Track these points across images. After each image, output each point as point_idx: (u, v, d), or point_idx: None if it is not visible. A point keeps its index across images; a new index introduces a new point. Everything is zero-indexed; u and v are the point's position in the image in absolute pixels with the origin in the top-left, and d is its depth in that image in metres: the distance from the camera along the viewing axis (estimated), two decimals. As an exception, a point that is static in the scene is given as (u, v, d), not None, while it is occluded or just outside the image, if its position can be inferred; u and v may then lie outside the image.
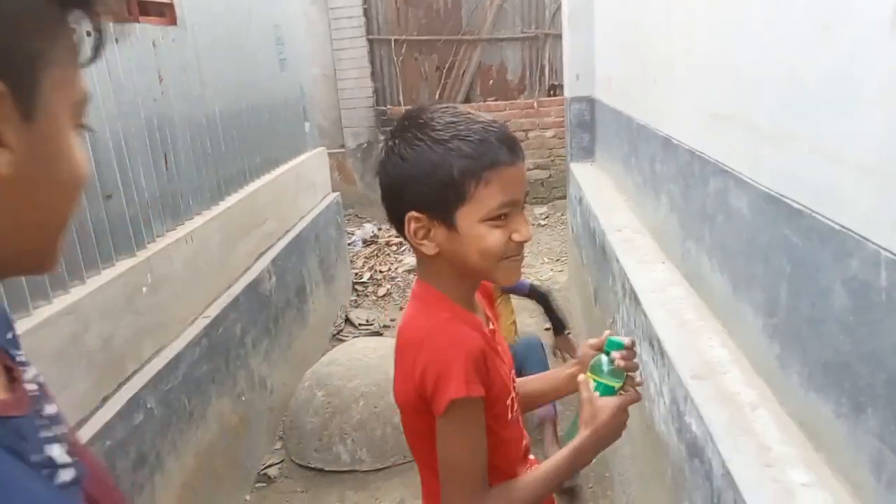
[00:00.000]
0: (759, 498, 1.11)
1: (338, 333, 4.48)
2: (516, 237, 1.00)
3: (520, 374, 1.32)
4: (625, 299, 2.27)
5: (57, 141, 0.47)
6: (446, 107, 1.05)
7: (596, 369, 1.11)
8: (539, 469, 1.08)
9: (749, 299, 1.52)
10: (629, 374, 1.12)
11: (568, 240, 4.85)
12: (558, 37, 6.64)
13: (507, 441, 1.10)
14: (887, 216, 0.94)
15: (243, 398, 2.97)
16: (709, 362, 1.57)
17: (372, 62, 6.66)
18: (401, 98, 6.78)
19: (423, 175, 0.98)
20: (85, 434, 1.93)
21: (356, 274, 5.34)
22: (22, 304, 1.82)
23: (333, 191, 5.01)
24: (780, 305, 1.34)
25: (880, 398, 0.98)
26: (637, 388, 1.14)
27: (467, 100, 6.86)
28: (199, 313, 2.74)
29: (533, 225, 6.44)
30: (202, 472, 2.52)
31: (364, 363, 3.22)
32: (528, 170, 6.91)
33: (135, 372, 2.26)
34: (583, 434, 1.06)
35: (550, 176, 6.97)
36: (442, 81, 6.80)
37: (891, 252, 0.92)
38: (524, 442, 1.18)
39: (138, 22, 2.55)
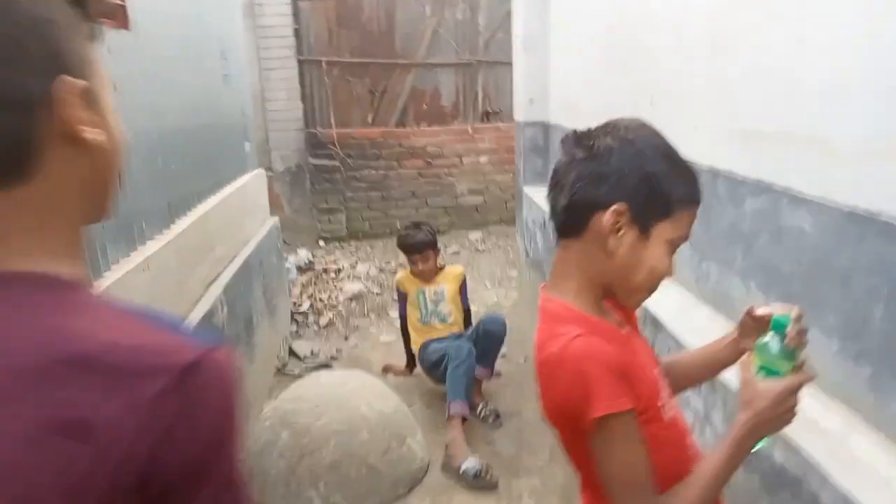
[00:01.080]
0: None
1: (283, 367, 4.19)
2: (669, 272, 1.01)
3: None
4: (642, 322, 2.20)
5: (109, 112, 0.63)
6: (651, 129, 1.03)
7: (763, 350, 1.00)
8: (700, 471, 0.98)
9: (817, 322, 1.47)
10: (800, 353, 1.00)
11: (519, 263, 4.80)
12: (493, 64, 6.68)
13: (667, 441, 1.01)
14: None
15: (202, 443, 2.66)
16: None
17: (302, 83, 6.42)
18: (332, 121, 6.57)
19: (648, 175, 0.96)
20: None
21: (294, 303, 5.05)
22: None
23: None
24: (872, 327, 1.29)
25: None
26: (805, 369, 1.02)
27: (400, 124, 6.74)
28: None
29: (469, 250, 6.38)
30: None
31: (333, 398, 2.98)
32: (462, 195, 6.89)
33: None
34: (739, 420, 0.96)
35: (485, 202, 6.94)
36: (375, 105, 6.65)
37: None
38: (688, 436, 1.09)
39: (93, 22, 2.26)
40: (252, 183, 4.25)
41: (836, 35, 1.34)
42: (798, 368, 0.99)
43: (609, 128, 1.00)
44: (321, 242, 6.58)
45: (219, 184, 3.60)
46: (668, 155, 0.99)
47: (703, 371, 1.22)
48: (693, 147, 2.05)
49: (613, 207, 0.96)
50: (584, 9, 3.37)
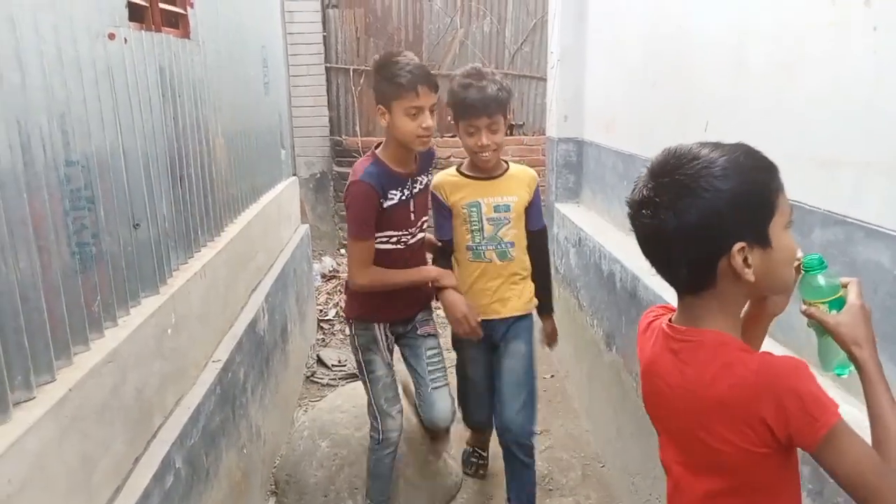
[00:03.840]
0: None
1: (311, 375, 4.21)
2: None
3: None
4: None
5: (396, 118, 2.24)
6: (699, 146, 1.02)
7: (816, 293, 1.07)
8: (878, 412, 1.03)
9: (889, 354, 1.48)
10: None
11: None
12: (518, 77, 6.72)
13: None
14: None
15: (244, 450, 2.68)
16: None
17: (329, 91, 6.47)
18: (357, 129, 6.61)
19: (739, 201, 0.99)
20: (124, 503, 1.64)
21: (320, 311, 5.07)
22: (63, 351, 1.54)
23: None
24: (958, 363, 1.31)
25: None
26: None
27: (424, 134, 6.78)
28: (209, 356, 2.46)
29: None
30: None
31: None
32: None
33: (160, 426, 1.97)
34: (862, 356, 1.04)
35: (506, 214, 6.97)
36: (400, 114, 6.70)
37: None
38: None
39: (160, 31, 2.30)
40: (287, 190, 4.29)
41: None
42: (844, 288, 1.08)
43: (669, 182, 1.02)
44: (342, 250, 6.61)
45: (259, 191, 3.63)
46: (738, 165, 1.01)
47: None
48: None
49: (735, 249, 0.99)
50: (623, 25, 3.39)
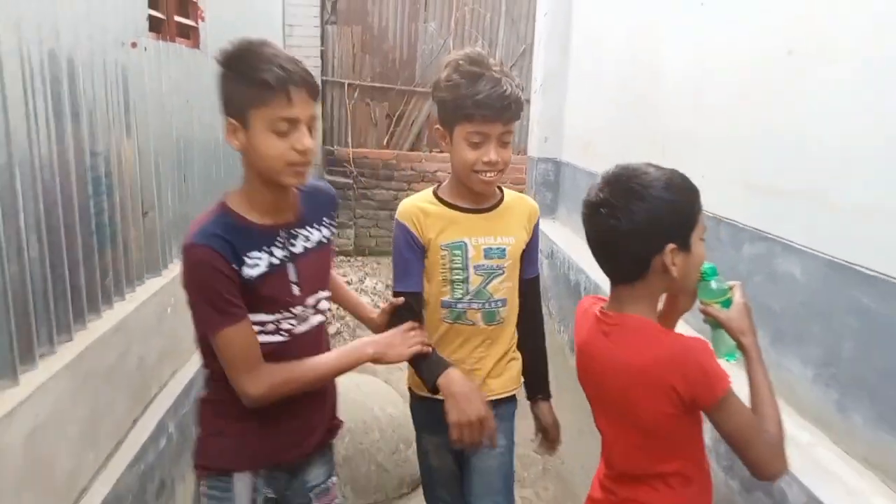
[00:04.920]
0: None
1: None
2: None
3: None
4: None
5: (257, 137, 1.32)
6: (646, 165, 1.28)
7: (711, 294, 1.33)
8: (758, 393, 1.29)
9: (798, 353, 1.73)
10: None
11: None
12: (506, 99, 7.00)
13: None
14: None
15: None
16: (755, 407, 1.76)
17: (324, 103, 6.72)
18: (349, 140, 6.86)
19: (673, 210, 1.25)
20: (123, 456, 1.85)
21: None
22: (80, 317, 1.75)
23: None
24: (843, 358, 1.56)
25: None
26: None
27: (413, 148, 7.03)
28: (202, 339, 2.67)
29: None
30: (201, 504, 2.43)
31: (349, 400, 3.21)
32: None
33: (156, 394, 2.18)
34: (748, 343, 1.30)
35: (489, 229, 7.22)
36: (391, 129, 6.96)
37: None
38: None
39: (174, 41, 2.54)
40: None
41: (844, 102, 1.62)
42: (731, 289, 1.36)
43: (623, 189, 1.26)
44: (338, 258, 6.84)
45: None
46: (676, 183, 1.27)
47: None
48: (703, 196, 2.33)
49: (668, 248, 1.24)
50: (601, 55, 3.67)
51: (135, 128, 2.09)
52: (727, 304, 1.33)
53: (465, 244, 1.67)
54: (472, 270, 1.67)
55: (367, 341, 1.53)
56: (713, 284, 1.33)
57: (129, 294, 2.05)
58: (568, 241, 3.88)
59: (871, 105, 1.51)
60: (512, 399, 1.85)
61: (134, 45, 2.09)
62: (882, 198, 1.46)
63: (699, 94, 2.40)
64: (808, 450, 1.57)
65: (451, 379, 1.52)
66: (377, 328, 1.69)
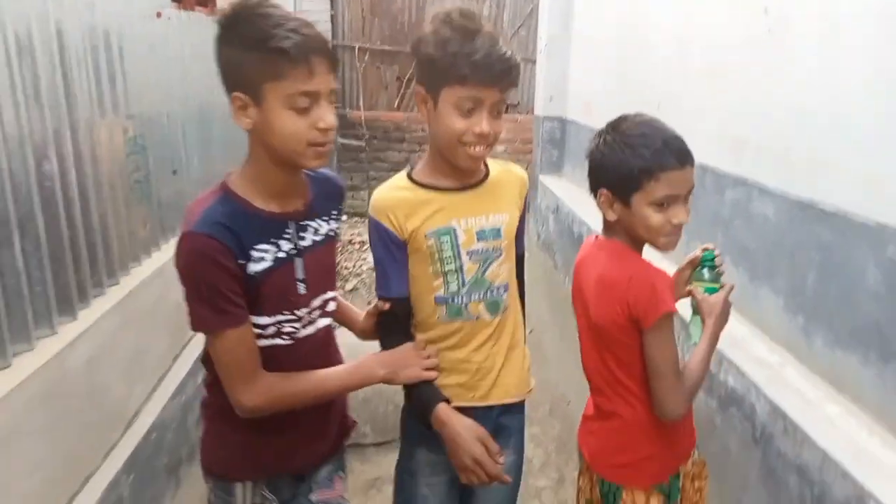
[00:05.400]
0: (811, 425, 1.48)
1: (313, 324, 4.63)
2: (674, 220, 1.34)
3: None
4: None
5: (272, 114, 1.14)
6: (641, 117, 1.40)
7: (700, 278, 1.48)
8: (696, 357, 1.42)
9: (770, 286, 1.91)
10: (721, 273, 1.50)
11: (531, 245, 5.25)
12: (514, 59, 7.07)
13: None
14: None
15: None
16: (733, 336, 1.94)
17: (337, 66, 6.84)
18: (360, 103, 6.99)
19: (612, 166, 1.35)
20: (165, 389, 2.08)
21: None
22: (123, 264, 1.96)
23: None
24: (807, 288, 1.73)
25: (909, 345, 1.37)
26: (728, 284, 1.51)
27: (424, 110, 7.15)
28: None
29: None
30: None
31: (366, 347, 3.43)
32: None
33: (191, 337, 2.40)
34: (709, 324, 1.44)
35: (499, 188, 7.36)
36: (401, 91, 7.08)
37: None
38: None
39: (193, 10, 2.70)
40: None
41: (804, 69, 1.77)
42: (726, 284, 1.49)
43: (603, 129, 1.41)
44: (344, 217, 7.03)
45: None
46: (630, 141, 1.32)
47: None
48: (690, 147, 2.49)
49: (601, 191, 1.39)
50: (601, 19, 3.79)
51: (162, 94, 2.27)
52: (712, 291, 1.47)
53: (454, 229, 1.42)
54: (465, 258, 1.43)
55: (377, 360, 1.38)
56: (706, 272, 1.49)
57: (163, 244, 2.26)
58: (572, 196, 4.04)
59: (825, 67, 1.66)
60: (521, 406, 1.65)
61: (159, 15, 2.26)
62: (834, 145, 1.62)
63: (684, 58, 2.54)
64: (776, 369, 1.76)
65: (443, 419, 1.36)
66: (363, 332, 1.54)
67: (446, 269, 1.43)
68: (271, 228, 1.22)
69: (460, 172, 1.43)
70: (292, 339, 1.28)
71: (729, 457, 1.80)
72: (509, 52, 1.33)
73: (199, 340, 2.45)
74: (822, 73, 1.69)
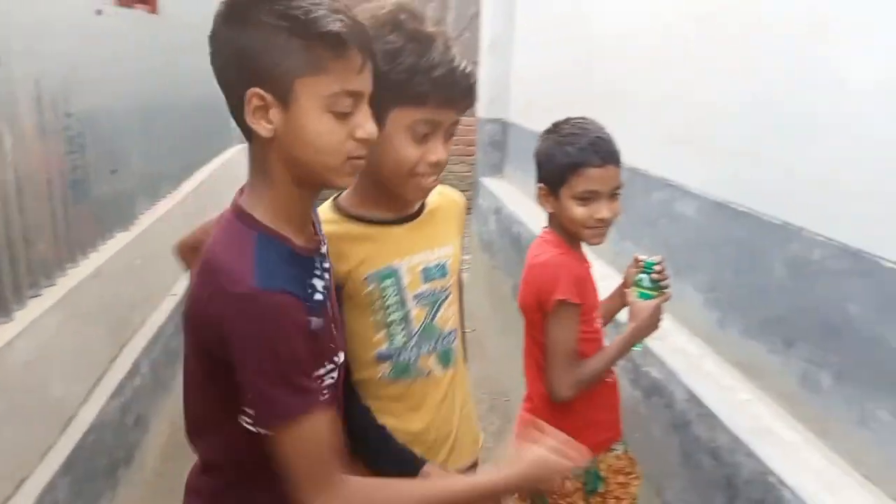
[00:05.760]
0: (724, 411, 1.60)
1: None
2: (597, 215, 1.42)
3: None
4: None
5: (306, 118, 0.84)
6: (581, 119, 1.49)
7: (637, 283, 1.55)
8: (602, 352, 1.50)
9: (691, 282, 2.04)
10: (662, 284, 1.54)
11: (473, 247, 5.34)
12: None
13: (592, 339, 1.52)
14: (816, 210, 1.47)
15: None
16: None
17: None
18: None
19: (545, 162, 1.46)
20: (104, 390, 2.07)
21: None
22: (60, 265, 1.95)
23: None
24: (724, 283, 1.86)
25: (808, 334, 1.50)
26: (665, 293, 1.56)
27: (368, 111, 7.16)
28: (169, 290, 2.87)
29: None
30: (175, 437, 2.67)
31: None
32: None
33: (129, 339, 2.39)
34: (630, 326, 1.50)
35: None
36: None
37: (822, 236, 1.45)
38: (603, 340, 1.58)
39: (133, 7, 2.68)
40: (237, 156, 4.67)
41: (725, 69, 1.89)
42: (661, 294, 1.54)
43: (551, 126, 1.50)
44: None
45: (218, 151, 4.01)
46: (553, 138, 1.44)
47: (610, 313, 1.74)
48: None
49: (538, 186, 1.49)
50: (544, 21, 3.90)
51: (101, 90, 2.25)
52: (645, 297, 1.54)
53: (397, 270, 1.16)
54: (412, 303, 1.19)
55: (515, 475, 1.00)
56: (644, 277, 1.55)
57: (101, 245, 2.24)
58: (513, 198, 4.15)
59: (738, 68, 1.79)
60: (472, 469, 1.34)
61: (99, 12, 2.24)
62: (748, 143, 1.75)
63: (625, 59, 2.66)
64: (695, 360, 1.88)
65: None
66: None
67: (389, 318, 1.17)
68: (309, 267, 0.95)
69: (400, 202, 1.18)
70: (331, 394, 0.96)
71: (653, 443, 1.91)
72: (469, 66, 1.09)
73: (140, 339, 2.47)
74: (742, 74, 1.81)
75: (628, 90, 2.58)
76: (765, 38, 1.71)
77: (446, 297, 1.22)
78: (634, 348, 1.54)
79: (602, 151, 1.42)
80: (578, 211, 1.43)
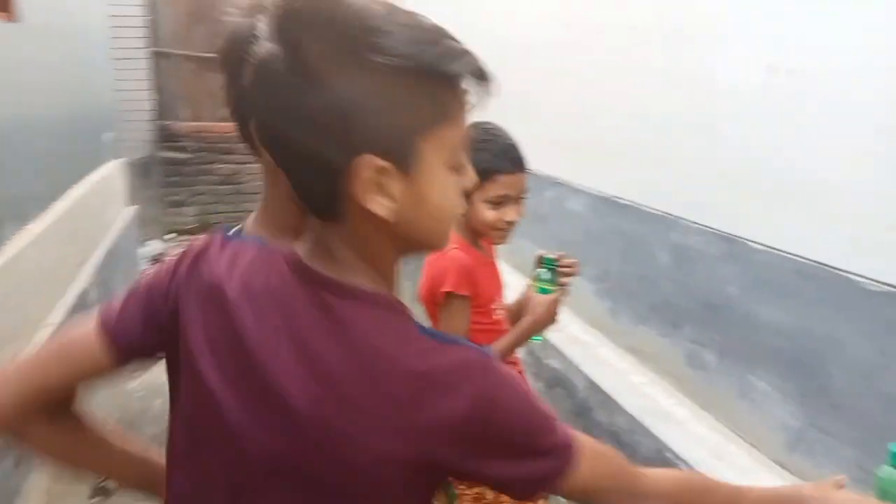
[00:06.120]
0: (621, 394, 1.68)
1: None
2: (506, 218, 1.45)
3: None
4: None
5: (430, 183, 0.60)
6: (488, 124, 1.50)
7: (538, 278, 1.58)
8: (500, 339, 1.49)
9: (584, 274, 2.12)
10: (563, 280, 1.54)
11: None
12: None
13: (489, 329, 1.52)
14: (692, 201, 1.57)
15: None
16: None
17: (155, 75, 6.48)
18: (184, 114, 6.68)
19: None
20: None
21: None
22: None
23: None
24: (612, 273, 1.96)
25: (693, 316, 1.61)
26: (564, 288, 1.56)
27: (253, 120, 6.98)
28: (43, 321, 2.67)
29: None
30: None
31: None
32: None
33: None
34: (525, 319, 1.51)
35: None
36: (228, 101, 6.85)
37: (698, 224, 1.56)
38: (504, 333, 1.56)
39: (-17, 16, 2.48)
40: (112, 173, 4.40)
41: (609, 77, 1.99)
42: (561, 289, 1.60)
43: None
44: (168, 235, 6.66)
45: (82, 171, 3.77)
46: (473, 147, 1.49)
47: (517, 313, 1.77)
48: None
49: None
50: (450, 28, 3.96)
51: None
52: (544, 291, 1.55)
53: None
54: None
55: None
56: (543, 272, 1.55)
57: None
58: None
59: (619, 75, 1.90)
60: None
61: (-56, 21, 2.05)
62: (629, 143, 1.86)
63: (527, 67, 2.75)
64: (591, 349, 1.97)
65: None
66: None
67: None
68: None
69: None
70: None
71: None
72: None
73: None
74: (623, 81, 1.91)
75: (534, 98, 2.67)
76: (644, 48, 1.82)
77: None
78: (534, 340, 1.58)
79: (514, 158, 1.45)
80: (489, 214, 1.45)
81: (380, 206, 0.59)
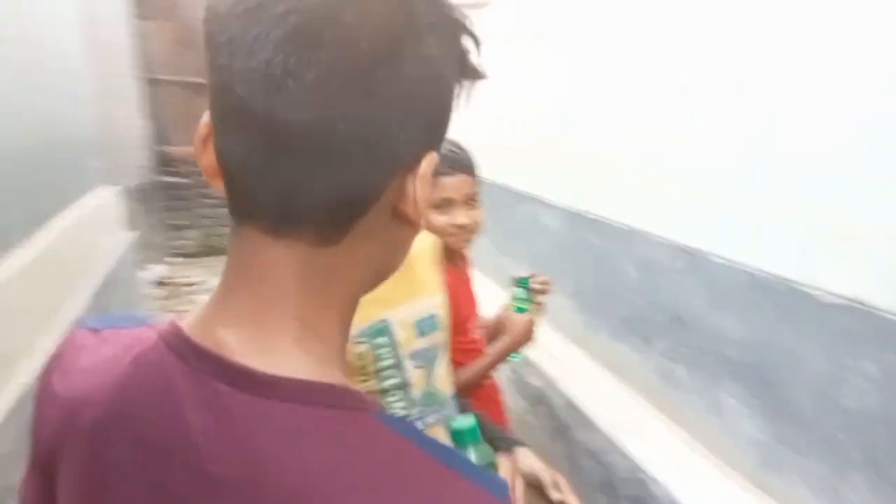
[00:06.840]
0: (600, 413, 1.66)
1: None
2: (455, 222, 1.42)
3: None
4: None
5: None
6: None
7: (515, 297, 1.58)
8: (477, 361, 1.49)
9: (560, 288, 2.10)
10: (539, 298, 1.56)
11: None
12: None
13: (467, 349, 1.49)
14: (659, 216, 1.55)
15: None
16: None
17: (150, 101, 6.54)
18: (180, 139, 6.73)
19: None
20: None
21: (151, 317, 5.19)
22: None
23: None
24: (587, 287, 1.93)
25: (663, 331, 1.58)
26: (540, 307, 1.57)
27: (249, 141, 7.01)
28: (32, 345, 2.67)
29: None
30: None
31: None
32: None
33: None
34: (503, 338, 1.52)
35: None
36: (223, 123, 6.89)
37: (663, 238, 1.54)
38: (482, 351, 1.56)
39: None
40: (104, 200, 4.42)
41: (577, 94, 1.98)
42: (538, 308, 1.59)
43: None
44: (170, 259, 6.70)
45: (63, 202, 3.78)
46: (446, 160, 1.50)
47: (496, 332, 1.76)
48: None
49: None
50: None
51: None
52: (521, 310, 1.56)
53: (389, 324, 0.99)
54: (409, 364, 1.01)
55: None
56: (520, 293, 1.57)
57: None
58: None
59: (584, 92, 1.89)
60: None
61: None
62: (595, 156, 1.84)
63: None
64: (569, 365, 1.94)
65: None
66: None
67: (386, 384, 0.98)
68: None
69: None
70: None
71: (542, 451, 1.95)
72: None
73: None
74: (588, 97, 1.90)
75: (489, 107, 2.65)
76: (614, 64, 1.81)
77: (440, 355, 1.05)
78: (513, 358, 1.57)
79: (452, 160, 1.43)
80: (439, 220, 1.44)
81: (416, 214, 0.45)
